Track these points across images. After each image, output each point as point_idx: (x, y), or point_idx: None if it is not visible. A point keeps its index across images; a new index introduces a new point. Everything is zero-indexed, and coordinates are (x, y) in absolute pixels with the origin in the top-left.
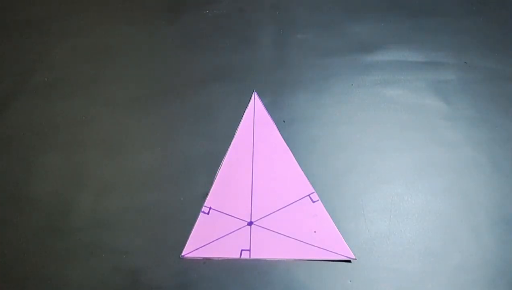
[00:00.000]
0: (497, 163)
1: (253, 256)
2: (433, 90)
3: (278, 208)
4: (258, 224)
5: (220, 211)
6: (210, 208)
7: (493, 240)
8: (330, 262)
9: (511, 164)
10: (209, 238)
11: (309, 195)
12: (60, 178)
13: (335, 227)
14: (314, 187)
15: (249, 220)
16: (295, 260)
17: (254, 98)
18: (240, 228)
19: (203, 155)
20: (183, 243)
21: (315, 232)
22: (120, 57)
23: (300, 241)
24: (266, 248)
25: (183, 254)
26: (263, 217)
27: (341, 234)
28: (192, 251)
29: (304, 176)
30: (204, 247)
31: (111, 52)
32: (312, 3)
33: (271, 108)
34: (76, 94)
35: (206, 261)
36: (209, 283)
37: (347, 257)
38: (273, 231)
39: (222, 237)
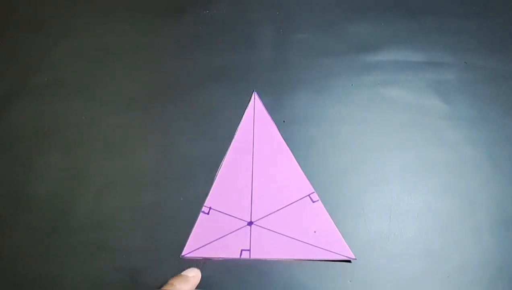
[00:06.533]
0: (497, 163)
1: (253, 256)
2: (433, 90)
3: (278, 208)
4: (258, 224)
5: (220, 211)
6: (210, 208)
7: (493, 240)
8: (330, 262)
9: (511, 164)
10: (209, 238)
11: (309, 195)
12: (60, 178)
13: (335, 227)
14: (314, 187)
15: (249, 220)
16: (295, 260)
17: (254, 98)
18: (240, 228)
19: (203, 155)
20: (183, 243)
21: (315, 232)
22: (120, 57)
23: (300, 241)
24: (266, 248)
25: (183, 254)
26: (263, 217)
27: (341, 234)
28: (192, 251)
29: (304, 176)
30: (204, 247)
31: (111, 52)
32: (312, 3)
33: (271, 108)
34: (76, 94)
35: (206, 261)
36: (209, 283)
37: (347, 257)
38: (273, 231)
39: (222, 237)
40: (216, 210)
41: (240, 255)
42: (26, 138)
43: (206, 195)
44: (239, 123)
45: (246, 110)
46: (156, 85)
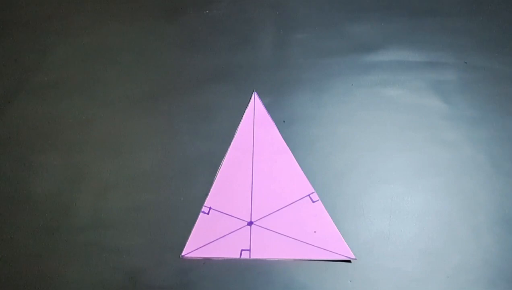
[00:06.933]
0: (497, 163)
1: (253, 256)
2: (433, 90)
3: (278, 208)
4: (258, 224)
5: (220, 211)
6: (210, 208)
7: (493, 240)
8: (330, 262)
9: (511, 164)
10: (209, 238)
11: (309, 195)
12: (60, 178)
13: (335, 227)
14: (314, 187)
15: (249, 220)
16: (295, 260)
17: (254, 98)
18: (240, 228)
19: (203, 155)
20: (183, 243)
21: (315, 232)
22: (120, 57)
23: (300, 241)
24: (266, 248)
25: (183, 254)
26: (263, 217)
27: (341, 234)
28: (192, 251)
29: (304, 176)
30: (204, 247)
31: (111, 52)
32: (312, 3)
33: (271, 108)
34: (76, 94)
35: (206, 261)
36: (209, 283)
37: (347, 257)
38: (273, 231)
39: (222, 237)
40: (216, 210)
41: (240, 255)
42: (26, 138)
43: (206, 195)
44: (239, 123)
45: (246, 110)
46: (156, 85)
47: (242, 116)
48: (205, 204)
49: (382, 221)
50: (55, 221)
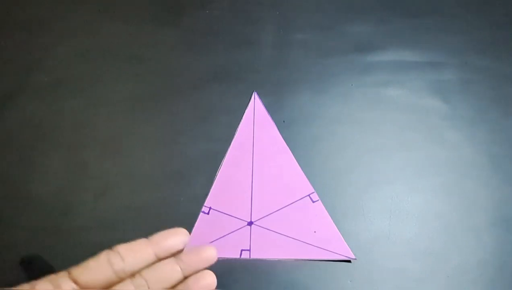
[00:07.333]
0: (497, 163)
1: (253, 256)
2: (433, 90)
3: (278, 208)
4: (258, 224)
5: (220, 211)
6: (210, 208)
7: (493, 240)
8: (330, 262)
9: (511, 164)
10: (209, 238)
11: (309, 195)
12: (60, 178)
13: (335, 227)
14: (314, 187)
15: (249, 220)
16: (295, 260)
17: (254, 99)
18: (240, 228)
19: (203, 155)
20: None
21: (315, 232)
22: (120, 57)
23: (300, 241)
24: (266, 248)
25: None
26: (263, 217)
27: (341, 234)
28: None
29: (304, 176)
30: None
31: (111, 52)
32: (312, 3)
33: (271, 108)
34: (76, 94)
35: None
36: None
37: (347, 257)
38: (273, 231)
39: (222, 237)
40: (216, 210)
41: (240, 255)
42: (26, 138)
43: (206, 195)
44: (239, 123)
45: (246, 110)
46: (156, 85)
47: (242, 117)
48: (205, 204)
49: (382, 221)
50: (55, 221)
